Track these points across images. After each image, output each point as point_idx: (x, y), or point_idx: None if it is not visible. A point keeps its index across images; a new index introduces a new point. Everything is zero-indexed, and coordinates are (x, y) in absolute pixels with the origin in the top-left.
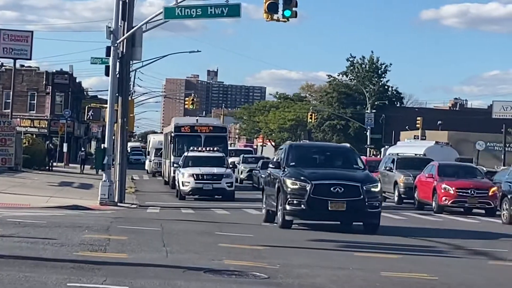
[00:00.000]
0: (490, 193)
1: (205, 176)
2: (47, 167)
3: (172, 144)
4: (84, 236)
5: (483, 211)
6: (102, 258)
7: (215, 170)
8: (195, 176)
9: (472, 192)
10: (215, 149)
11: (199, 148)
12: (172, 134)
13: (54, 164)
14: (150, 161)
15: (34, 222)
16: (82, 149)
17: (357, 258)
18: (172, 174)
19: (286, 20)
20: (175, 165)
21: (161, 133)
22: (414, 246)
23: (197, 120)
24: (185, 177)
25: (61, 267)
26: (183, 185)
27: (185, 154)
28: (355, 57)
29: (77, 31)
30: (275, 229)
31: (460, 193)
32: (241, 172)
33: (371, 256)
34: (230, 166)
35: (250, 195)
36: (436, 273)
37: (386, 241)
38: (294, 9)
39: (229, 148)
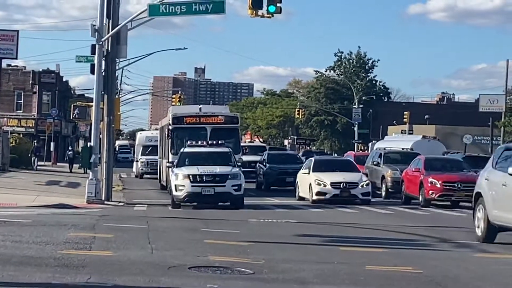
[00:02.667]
0: None
1: (204, 178)
2: (32, 167)
3: (169, 140)
4: (70, 235)
5: (470, 205)
6: (87, 256)
7: (218, 169)
8: (191, 178)
9: (459, 185)
10: (219, 142)
11: (199, 142)
12: (170, 127)
13: (42, 163)
14: (136, 161)
15: (20, 221)
16: (70, 148)
17: (342, 252)
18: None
19: (270, 16)
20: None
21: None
22: (399, 240)
23: (200, 108)
24: (179, 179)
25: (45, 265)
26: (176, 190)
27: (182, 150)
28: (343, 52)
29: (65, 30)
30: (260, 225)
31: (447, 187)
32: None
33: (356, 250)
34: (239, 164)
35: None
36: (420, 266)
37: (371, 235)
38: (278, 4)
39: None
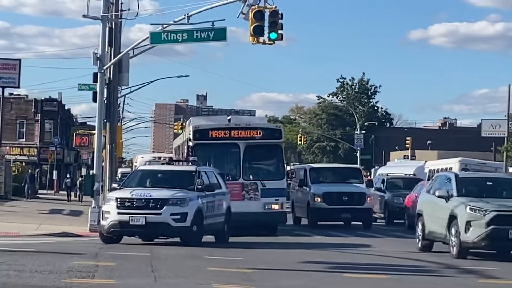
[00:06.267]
0: None
1: (135, 203)
2: (26, 196)
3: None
4: (73, 263)
5: None
6: (90, 284)
7: (155, 192)
8: (118, 202)
9: None
10: (190, 159)
11: (162, 158)
12: (190, 143)
13: (44, 191)
14: None
15: (23, 250)
16: (68, 176)
17: (346, 279)
18: None
19: (272, 42)
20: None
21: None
22: (403, 266)
23: (229, 119)
24: (107, 205)
25: None
26: (102, 218)
27: (138, 167)
28: (345, 78)
29: (67, 58)
30: (265, 252)
31: None
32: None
33: (361, 277)
34: (199, 186)
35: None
36: None
37: (375, 261)
38: (279, 31)
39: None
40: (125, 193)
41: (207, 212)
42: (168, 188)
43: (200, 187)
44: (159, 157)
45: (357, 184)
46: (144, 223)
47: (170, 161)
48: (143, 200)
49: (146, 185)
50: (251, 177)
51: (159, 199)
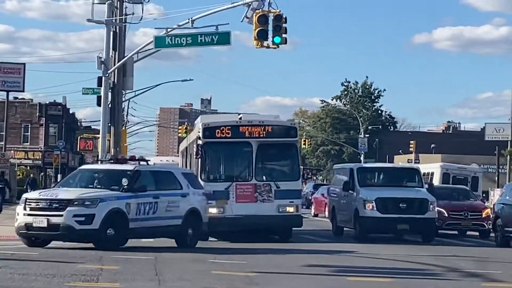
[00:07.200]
0: (483, 215)
1: (40, 203)
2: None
3: (199, 161)
4: (77, 267)
5: (477, 233)
6: None
7: (64, 193)
8: (26, 204)
9: (466, 214)
10: (136, 158)
11: (107, 156)
12: (199, 142)
13: None
14: None
15: (27, 254)
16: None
17: (349, 282)
18: None
19: (276, 46)
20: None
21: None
22: (407, 269)
23: (240, 117)
24: (18, 206)
25: None
26: (16, 220)
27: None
28: (349, 82)
29: (71, 62)
30: (268, 256)
31: (454, 216)
32: None
33: (364, 280)
34: (125, 186)
35: None
36: None
37: (379, 264)
38: (284, 35)
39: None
40: (34, 194)
41: (138, 214)
42: (93, 188)
43: (125, 187)
44: (111, 157)
45: (417, 189)
46: (46, 225)
47: (115, 160)
48: (48, 201)
49: (79, 185)
50: (264, 177)
51: (63, 200)
